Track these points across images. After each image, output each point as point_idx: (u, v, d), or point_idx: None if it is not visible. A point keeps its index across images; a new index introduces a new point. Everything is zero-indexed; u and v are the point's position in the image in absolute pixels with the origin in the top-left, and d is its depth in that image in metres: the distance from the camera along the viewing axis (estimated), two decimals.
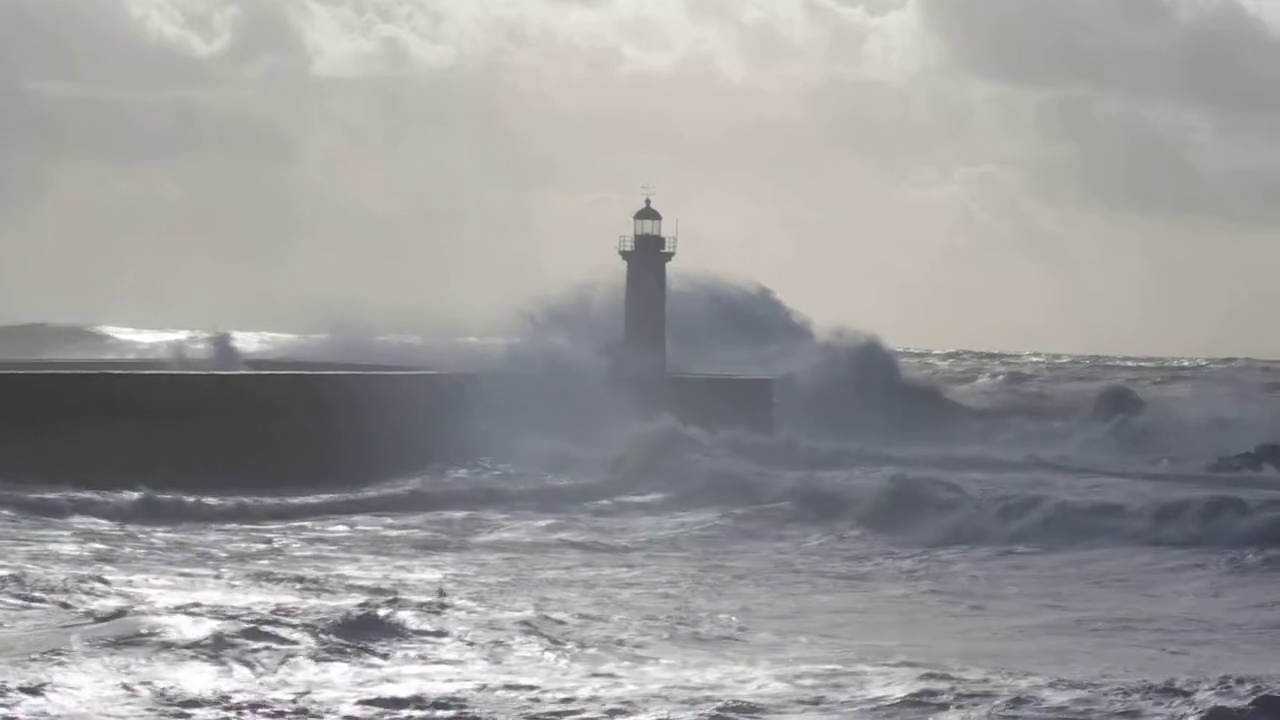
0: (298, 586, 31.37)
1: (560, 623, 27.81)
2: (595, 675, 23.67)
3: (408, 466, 54.07)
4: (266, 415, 55.12)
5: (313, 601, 28.70)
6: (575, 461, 56.78)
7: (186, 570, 34.02)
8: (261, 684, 22.32)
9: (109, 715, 20.68)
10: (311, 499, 48.93)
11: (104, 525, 42.35)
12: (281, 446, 53.86)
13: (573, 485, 54.19)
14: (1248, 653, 27.72)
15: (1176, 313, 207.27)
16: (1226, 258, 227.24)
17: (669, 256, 69.11)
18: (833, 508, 47.69)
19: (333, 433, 55.48)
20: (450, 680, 22.88)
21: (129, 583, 31.18)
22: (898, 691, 22.41)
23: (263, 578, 32.73)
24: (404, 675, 23.29)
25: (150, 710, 20.96)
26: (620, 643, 26.22)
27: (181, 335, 77.14)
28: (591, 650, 25.48)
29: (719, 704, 21.68)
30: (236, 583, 31.86)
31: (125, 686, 21.92)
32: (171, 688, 21.86)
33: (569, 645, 25.75)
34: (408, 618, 26.51)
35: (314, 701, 21.50)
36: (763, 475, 53.40)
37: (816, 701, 22.04)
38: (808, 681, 23.24)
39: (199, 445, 52.35)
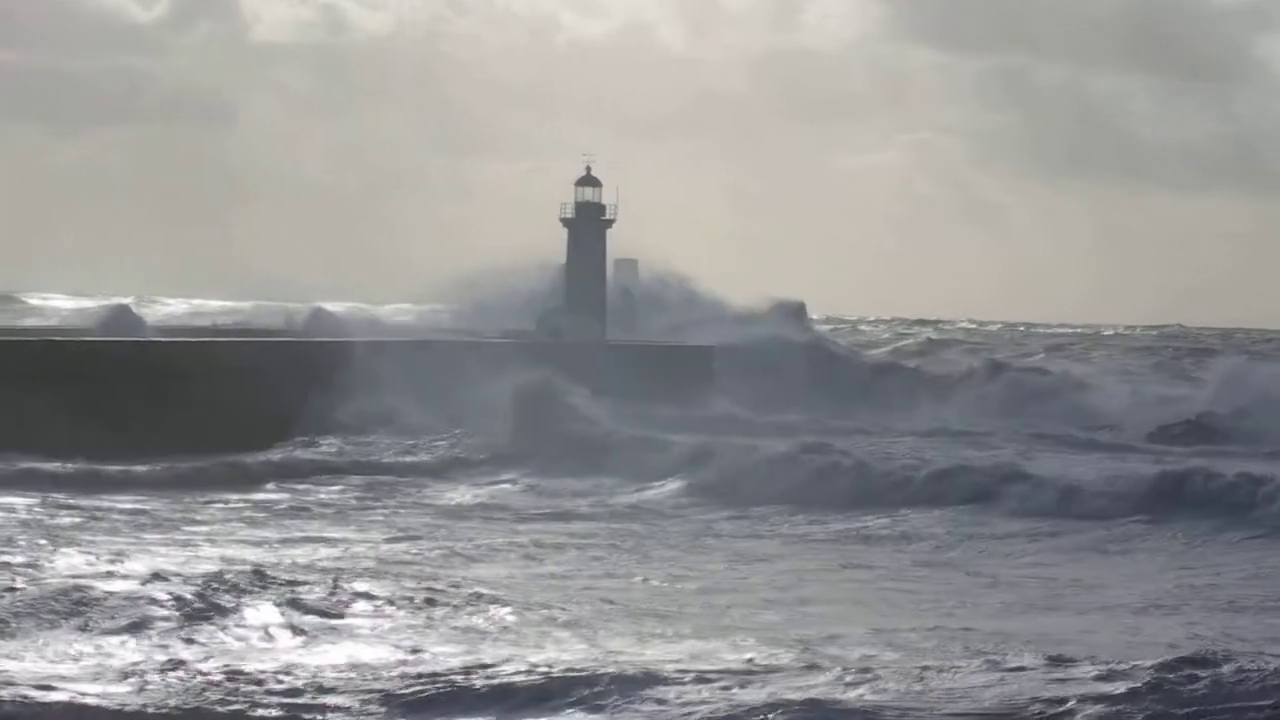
0: None
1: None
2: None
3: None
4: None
5: None
6: (461, 428, 55.11)
7: None
8: None
9: None
10: (139, 468, 46.32)
11: None
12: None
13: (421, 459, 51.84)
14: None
15: (1116, 280, 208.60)
16: (1167, 225, 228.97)
17: (610, 223, 68.84)
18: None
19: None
20: None
21: None
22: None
23: None
24: None
25: None
26: None
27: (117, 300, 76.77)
28: None
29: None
30: None
31: None
32: None
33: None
34: None
35: None
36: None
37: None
38: None
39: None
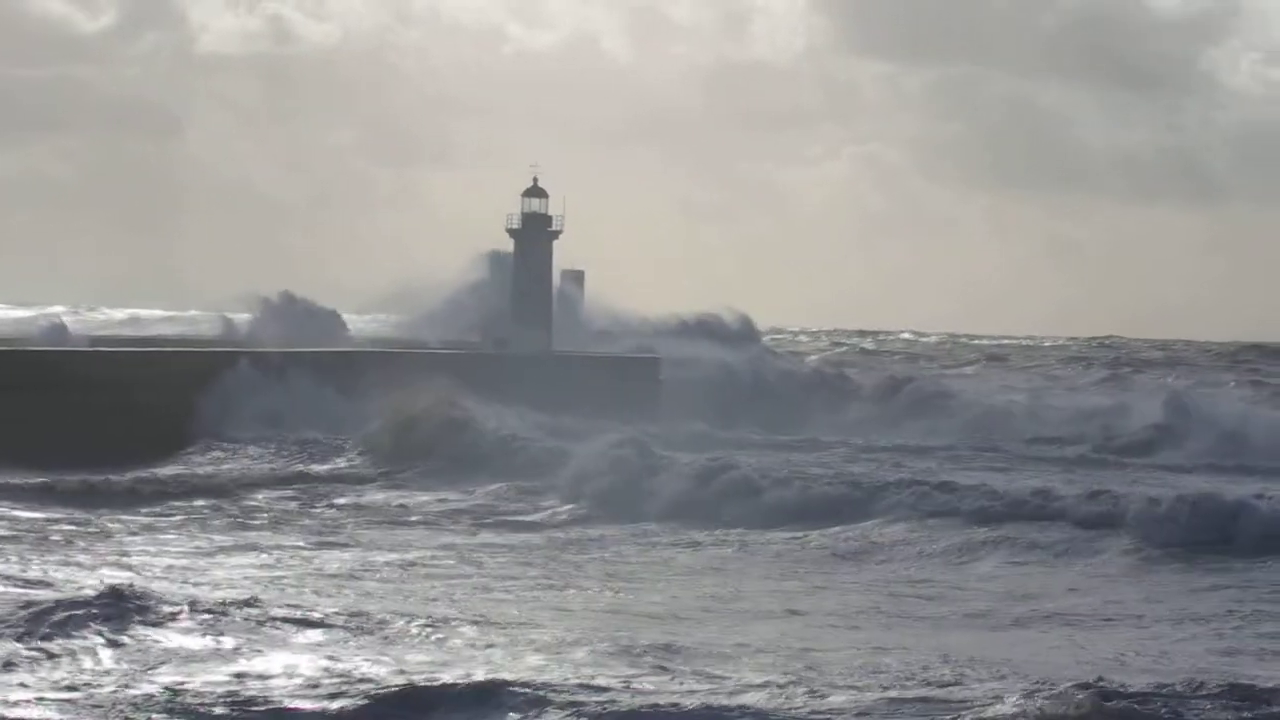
0: None
1: None
2: None
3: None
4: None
5: None
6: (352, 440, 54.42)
7: None
8: None
9: None
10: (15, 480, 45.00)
11: None
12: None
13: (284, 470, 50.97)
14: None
15: (1062, 290, 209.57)
16: (1113, 235, 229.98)
17: (556, 234, 68.74)
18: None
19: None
20: None
21: None
22: None
23: None
24: None
25: None
26: None
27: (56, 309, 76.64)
28: None
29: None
30: None
31: None
32: None
33: None
34: None
35: None
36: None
37: None
38: None
39: None
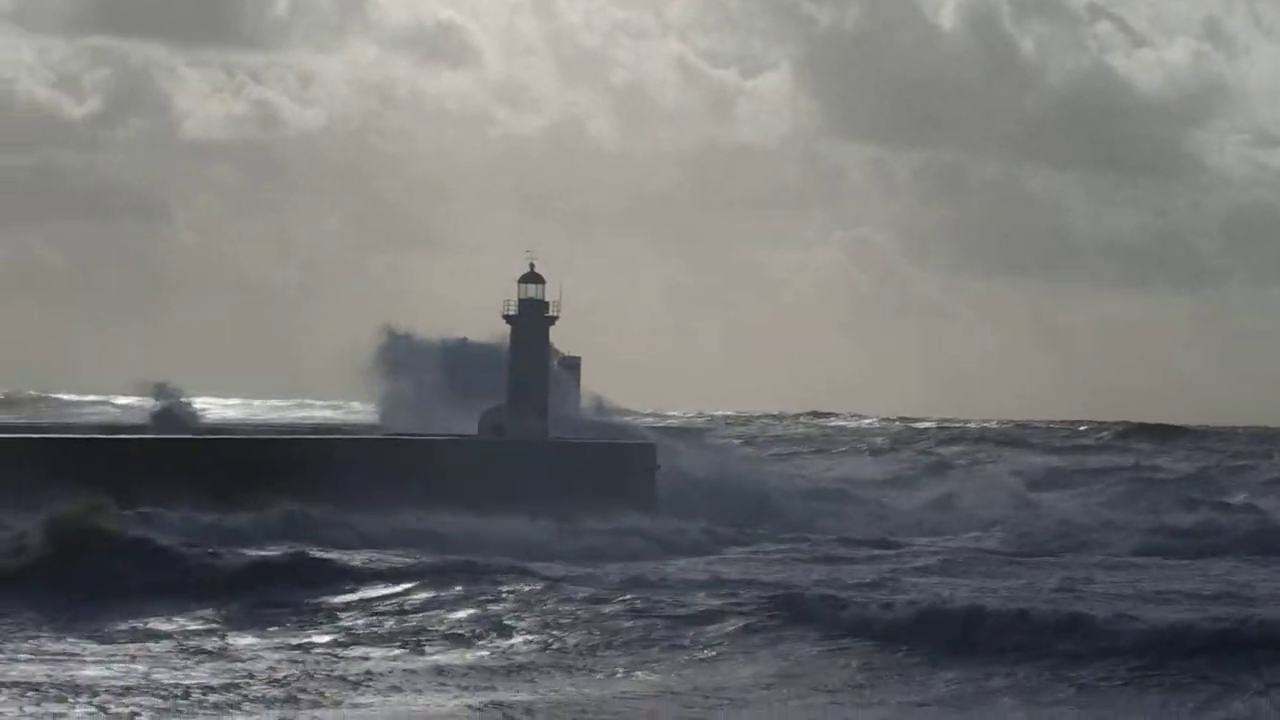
0: None
1: None
2: None
3: None
4: None
5: None
6: None
7: None
8: None
9: None
10: None
11: None
12: None
13: None
14: None
15: (1049, 374, 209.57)
16: (1101, 319, 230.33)
17: (553, 320, 68.22)
18: None
19: None
20: None
21: None
22: None
23: None
24: None
25: None
26: None
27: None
28: None
29: None
30: None
31: None
32: None
33: None
34: None
35: None
36: None
37: None
38: None
39: None
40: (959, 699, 31.35)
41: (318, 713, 28.63)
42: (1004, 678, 32.77)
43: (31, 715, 27.59)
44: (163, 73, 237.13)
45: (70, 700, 28.63)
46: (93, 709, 28.09)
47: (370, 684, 31.08)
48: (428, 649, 35.42)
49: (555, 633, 36.91)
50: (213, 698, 29.31)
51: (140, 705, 28.55)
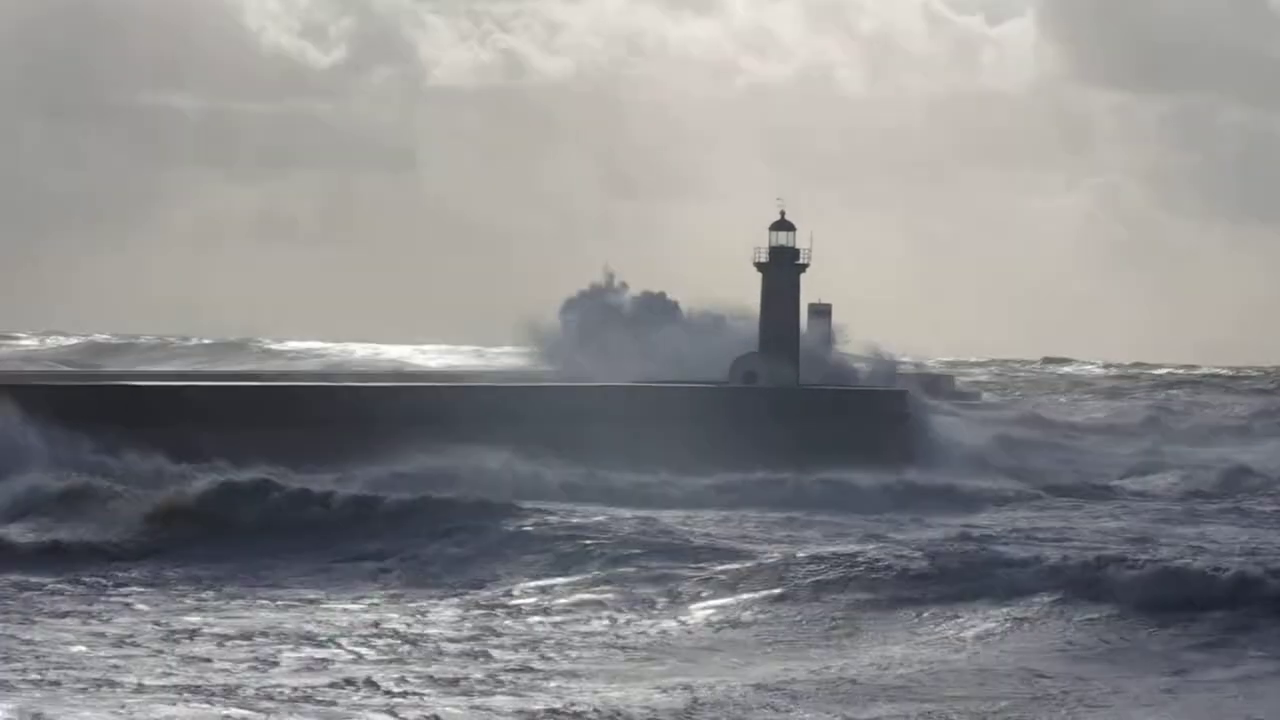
0: None
1: None
2: None
3: None
4: None
5: None
6: None
7: None
8: None
9: None
10: None
11: None
12: None
13: None
14: None
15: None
16: None
17: (804, 267, 68.29)
18: None
19: None
20: None
21: None
22: None
23: None
24: None
25: None
26: None
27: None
28: None
29: None
30: None
31: None
32: None
33: None
34: None
35: None
36: None
37: None
38: None
39: None
40: None
41: None
42: None
43: None
44: (408, 21, 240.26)
45: None
46: None
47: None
48: None
49: None
50: None
51: None
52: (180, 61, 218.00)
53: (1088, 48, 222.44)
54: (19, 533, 40.53)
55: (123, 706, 23.42)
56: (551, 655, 28.32)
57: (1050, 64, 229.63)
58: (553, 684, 25.92)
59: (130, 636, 29.01)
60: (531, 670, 27.02)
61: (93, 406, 51.07)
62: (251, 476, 45.04)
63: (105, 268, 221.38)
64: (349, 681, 25.57)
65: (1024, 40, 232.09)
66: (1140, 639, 30.22)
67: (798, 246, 68.24)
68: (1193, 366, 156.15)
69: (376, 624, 30.95)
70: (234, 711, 23.41)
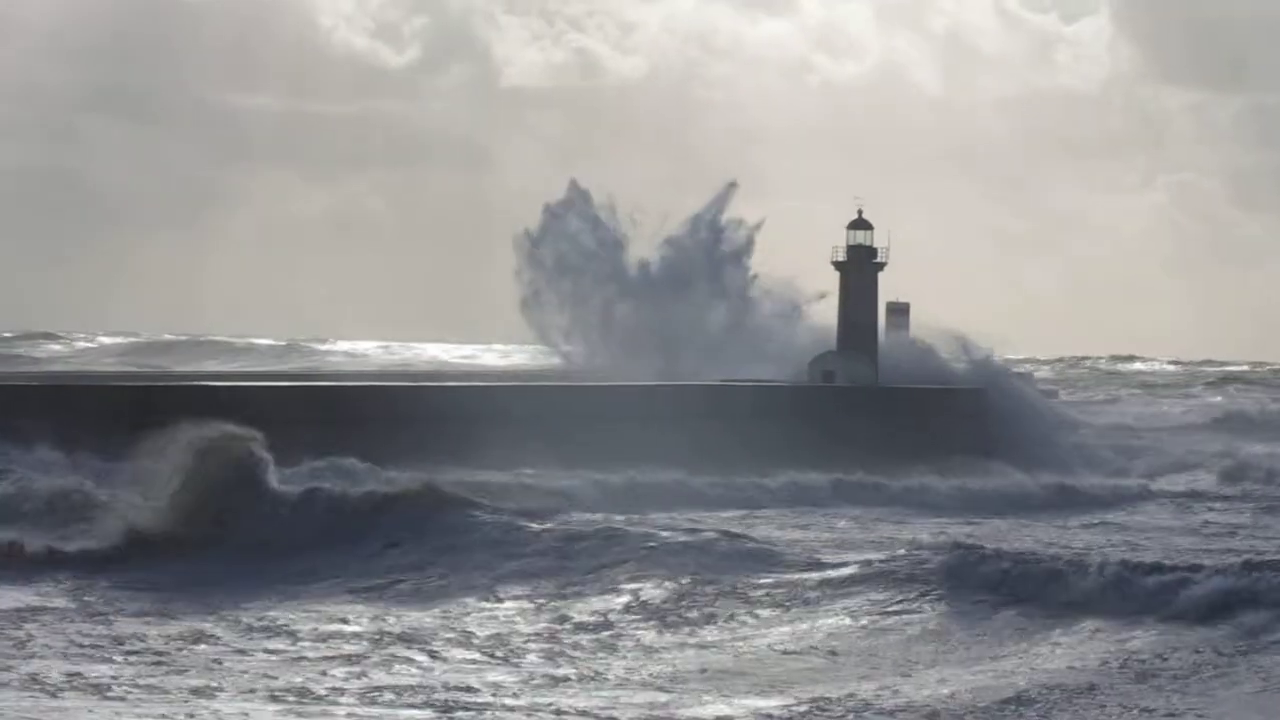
0: None
1: None
2: None
3: None
4: None
5: None
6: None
7: None
8: None
9: None
10: None
11: None
12: None
13: None
14: None
15: None
16: None
17: (882, 266, 68.28)
18: None
19: None
20: None
21: None
22: None
23: None
24: None
25: None
26: None
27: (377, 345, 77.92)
28: None
29: None
30: None
31: None
32: None
33: None
34: None
35: None
36: None
37: None
38: None
39: None
40: None
41: None
42: None
43: None
44: (482, 20, 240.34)
45: None
46: None
47: None
48: None
49: None
50: None
51: None
52: (253, 62, 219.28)
53: (1162, 46, 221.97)
54: None
55: None
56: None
57: (1125, 62, 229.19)
58: None
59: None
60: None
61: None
62: None
63: (179, 266, 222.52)
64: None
65: (1099, 39, 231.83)
66: None
67: (875, 245, 68.26)
68: (1259, 364, 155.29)
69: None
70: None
